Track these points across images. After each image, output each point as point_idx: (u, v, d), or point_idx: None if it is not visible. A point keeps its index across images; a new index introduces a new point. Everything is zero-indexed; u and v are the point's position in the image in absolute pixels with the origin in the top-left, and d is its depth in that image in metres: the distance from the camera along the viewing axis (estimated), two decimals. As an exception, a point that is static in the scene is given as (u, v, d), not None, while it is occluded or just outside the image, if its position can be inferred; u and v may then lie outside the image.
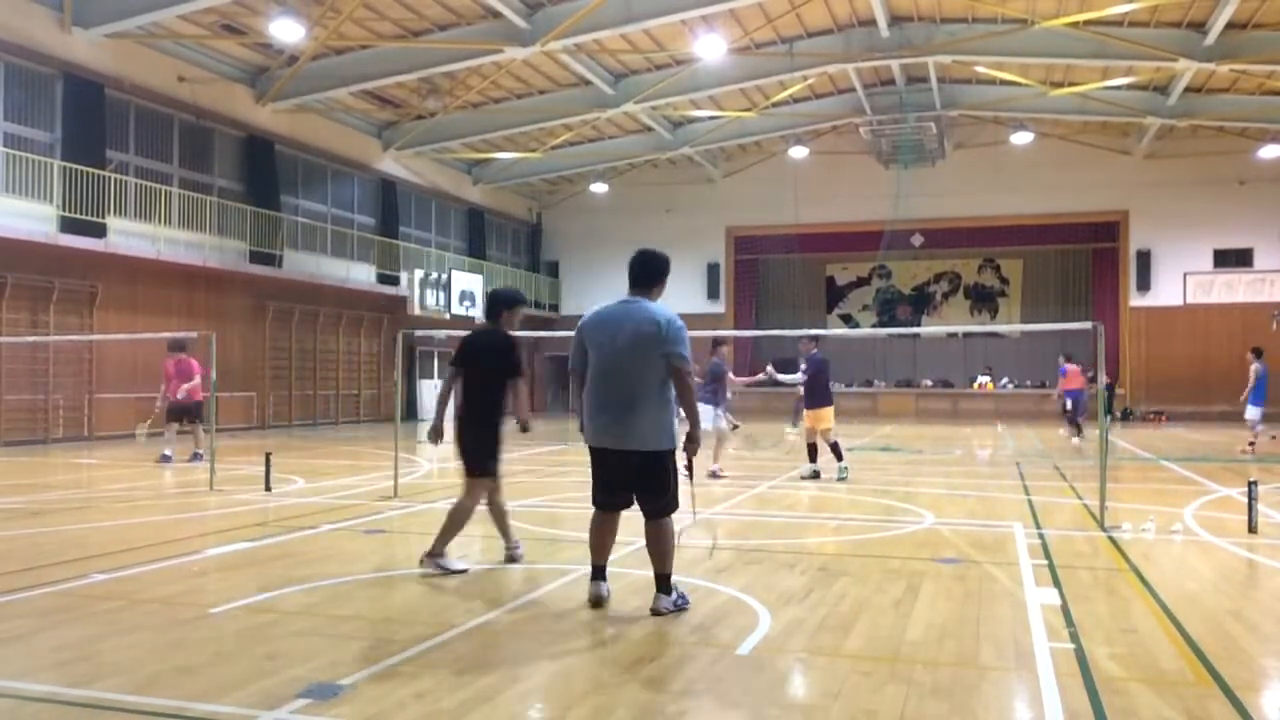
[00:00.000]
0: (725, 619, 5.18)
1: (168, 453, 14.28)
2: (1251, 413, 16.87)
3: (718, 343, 13.27)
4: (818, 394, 12.38)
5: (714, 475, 12.07)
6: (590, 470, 5.46)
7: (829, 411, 12.39)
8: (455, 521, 6.40)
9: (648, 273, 5.43)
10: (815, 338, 12.97)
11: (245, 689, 3.99)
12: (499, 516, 6.75)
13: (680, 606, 5.28)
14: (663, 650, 4.60)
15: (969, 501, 10.26)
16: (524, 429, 6.71)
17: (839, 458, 12.18)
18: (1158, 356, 29.86)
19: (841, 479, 11.89)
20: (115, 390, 18.86)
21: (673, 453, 5.30)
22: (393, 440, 11.04)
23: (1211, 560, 6.89)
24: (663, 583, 5.30)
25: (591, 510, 5.52)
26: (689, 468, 5.59)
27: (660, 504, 5.29)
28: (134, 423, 19.24)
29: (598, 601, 5.39)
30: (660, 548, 5.31)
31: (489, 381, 6.48)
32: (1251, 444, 16.60)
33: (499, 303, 6.73)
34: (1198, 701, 3.91)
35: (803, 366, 12.59)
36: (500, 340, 6.58)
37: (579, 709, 3.82)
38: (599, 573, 5.46)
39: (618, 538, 5.57)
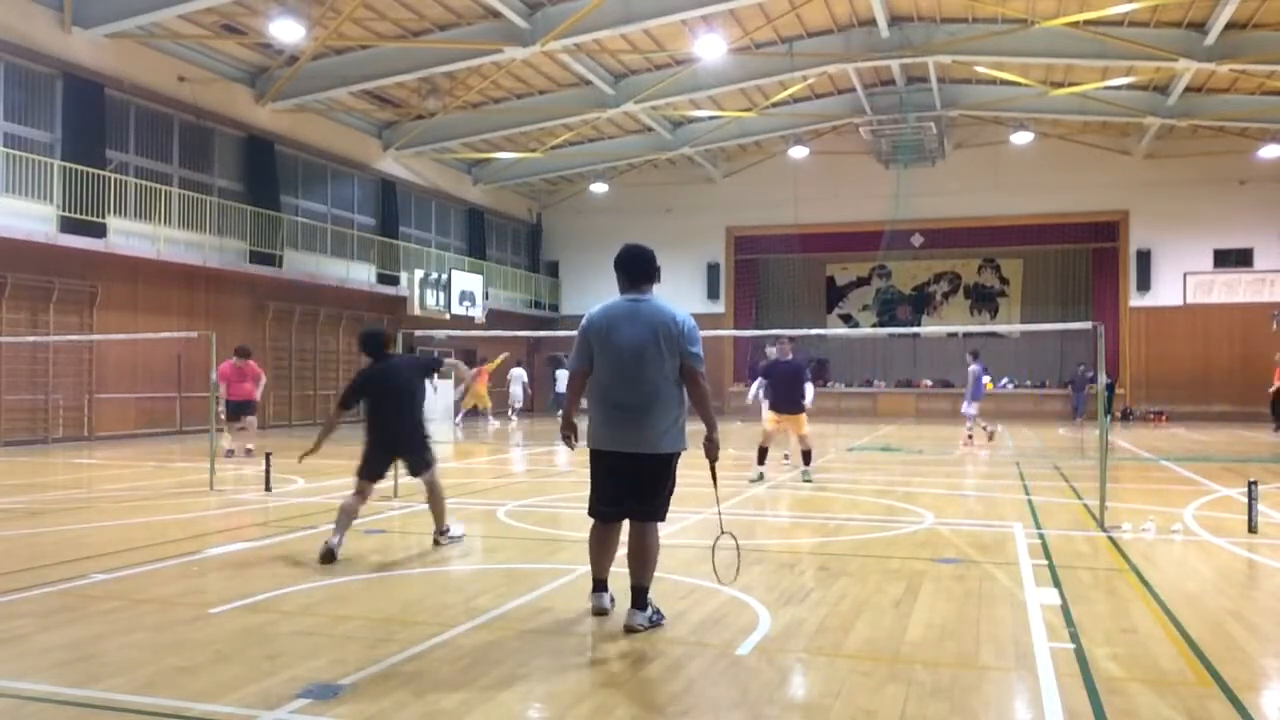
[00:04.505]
0: (725, 619, 5.17)
1: (230, 448, 14.55)
2: (968, 409, 18.44)
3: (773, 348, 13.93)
4: (799, 397, 12.16)
5: (786, 458, 13.11)
6: (591, 478, 5.19)
7: (804, 417, 12.24)
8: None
9: (644, 268, 5.16)
10: (793, 339, 13.03)
11: (245, 689, 3.99)
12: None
13: (656, 623, 4.99)
14: (663, 650, 4.59)
15: (969, 501, 10.26)
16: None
17: (807, 461, 12.08)
18: (1158, 356, 29.86)
19: (807, 480, 11.75)
20: (115, 390, 18.87)
21: (678, 456, 5.11)
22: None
23: (1211, 560, 6.89)
24: (639, 596, 5.00)
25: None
26: (714, 473, 5.31)
27: (654, 507, 5.05)
28: (134, 424, 19.29)
29: (600, 612, 5.17)
30: (645, 555, 5.02)
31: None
32: (970, 437, 18.35)
33: (387, 340, 7.68)
34: (1198, 701, 3.91)
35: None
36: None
37: (579, 709, 3.82)
38: (601, 585, 5.23)
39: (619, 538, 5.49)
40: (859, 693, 4.00)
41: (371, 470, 7.33)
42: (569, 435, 5.32)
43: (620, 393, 4.99)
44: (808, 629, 4.98)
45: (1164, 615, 5.27)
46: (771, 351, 14.28)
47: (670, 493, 5.12)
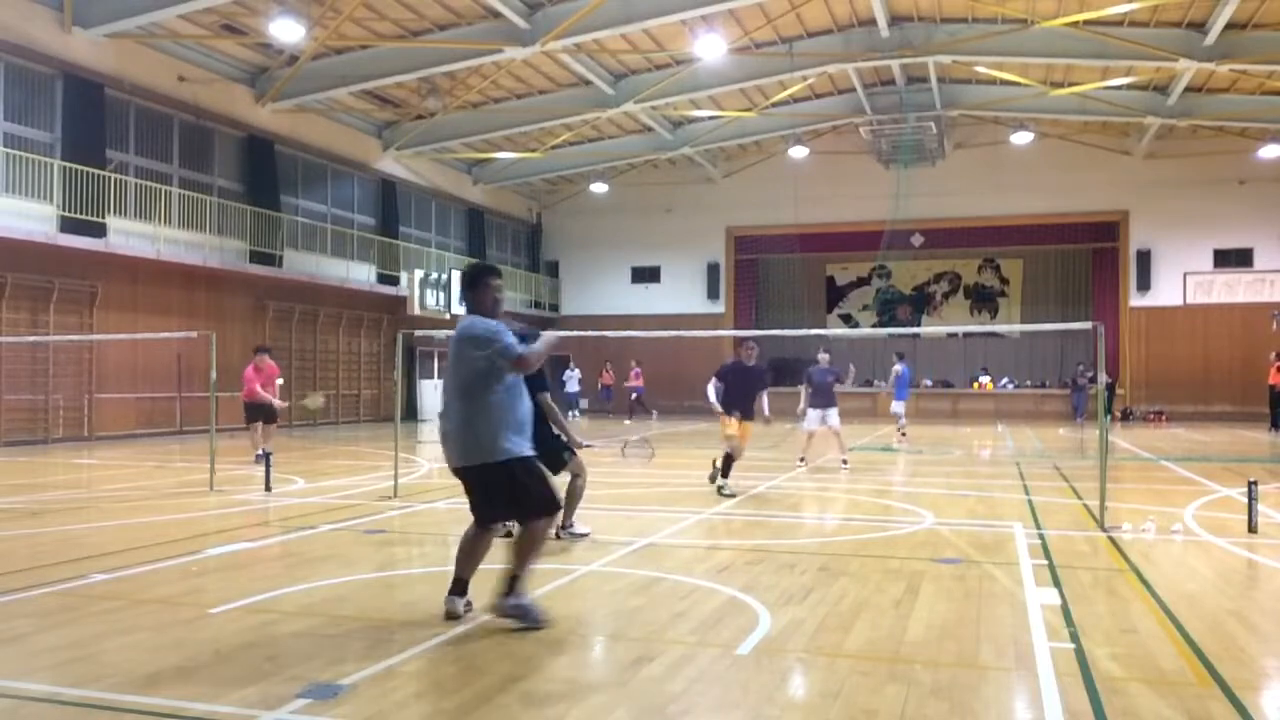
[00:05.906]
0: (725, 619, 5.18)
1: (262, 451, 14.20)
2: (895, 407, 19.06)
3: (825, 350, 14.21)
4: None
5: (802, 460, 13.14)
6: None
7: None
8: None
9: (464, 284, 5.22)
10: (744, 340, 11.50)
11: (245, 689, 3.99)
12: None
13: (516, 614, 4.91)
14: (663, 650, 4.60)
15: (969, 501, 10.25)
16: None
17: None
18: (1158, 356, 29.86)
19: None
20: (115, 390, 18.86)
21: (521, 460, 4.98)
22: (393, 440, 11.04)
23: (1211, 560, 6.89)
24: (512, 583, 4.99)
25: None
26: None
27: (526, 510, 5.05)
28: (134, 424, 19.29)
29: (453, 615, 5.08)
30: (521, 548, 5.04)
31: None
32: (904, 434, 18.83)
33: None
34: (1198, 701, 3.91)
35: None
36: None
37: (579, 709, 3.82)
38: (460, 587, 5.16)
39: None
40: (859, 693, 4.00)
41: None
42: None
43: (443, 411, 5.14)
44: (808, 629, 4.98)
45: (1164, 615, 5.27)
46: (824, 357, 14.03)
47: (539, 490, 5.04)
